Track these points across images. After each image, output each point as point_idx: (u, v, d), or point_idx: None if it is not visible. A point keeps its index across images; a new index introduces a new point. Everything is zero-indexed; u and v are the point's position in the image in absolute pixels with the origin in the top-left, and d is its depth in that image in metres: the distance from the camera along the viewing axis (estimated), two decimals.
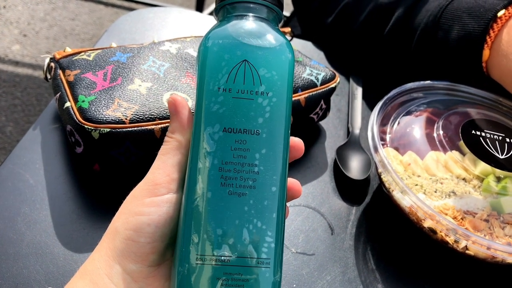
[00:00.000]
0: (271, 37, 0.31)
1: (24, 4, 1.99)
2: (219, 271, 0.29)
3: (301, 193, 0.34)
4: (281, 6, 0.33)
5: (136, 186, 0.32)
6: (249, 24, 0.31)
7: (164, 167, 0.32)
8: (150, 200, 0.31)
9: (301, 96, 0.53)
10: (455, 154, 0.51)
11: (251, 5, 0.32)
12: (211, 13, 1.50)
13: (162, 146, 0.33)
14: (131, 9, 1.98)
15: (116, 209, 0.32)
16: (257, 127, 0.30)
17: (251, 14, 0.32)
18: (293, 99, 0.52)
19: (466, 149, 0.51)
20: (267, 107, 0.30)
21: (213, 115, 0.30)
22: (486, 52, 0.55)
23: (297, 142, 0.34)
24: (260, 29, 0.31)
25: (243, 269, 0.29)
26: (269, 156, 0.30)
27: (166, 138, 0.33)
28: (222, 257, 0.29)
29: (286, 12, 1.99)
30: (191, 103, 0.48)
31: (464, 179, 0.49)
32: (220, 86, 0.30)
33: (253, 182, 0.30)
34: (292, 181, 0.33)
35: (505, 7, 0.54)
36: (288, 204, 0.51)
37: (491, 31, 0.54)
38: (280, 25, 0.90)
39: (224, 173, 0.29)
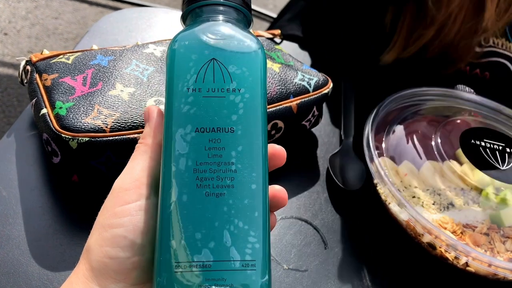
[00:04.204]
0: (239, 35, 0.31)
1: (5, 1, 1.94)
2: (201, 277, 0.27)
3: (287, 202, 0.32)
4: (248, 7, 0.33)
5: (106, 198, 0.30)
6: (216, 25, 0.31)
7: (133, 172, 0.30)
8: (121, 209, 0.29)
9: (293, 103, 0.50)
10: (452, 163, 0.49)
11: (218, 8, 0.32)
12: None
13: (132, 153, 0.31)
14: (117, 9, 1.94)
15: None
16: (231, 125, 0.29)
17: (217, 16, 0.32)
18: (285, 105, 0.50)
19: (463, 159, 0.49)
20: (240, 103, 0.29)
21: (183, 117, 0.29)
22: None
23: (278, 150, 0.32)
24: (227, 28, 0.31)
25: (227, 274, 0.27)
26: (246, 153, 0.29)
27: (136, 145, 0.32)
28: (203, 263, 0.27)
29: (273, 14, 1.97)
30: None
31: (462, 190, 0.48)
32: (189, 86, 0.29)
33: (231, 181, 0.28)
34: (276, 188, 0.31)
35: None
36: (279, 216, 0.49)
37: None
38: (267, 28, 0.87)
39: (200, 174, 0.28)
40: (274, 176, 0.31)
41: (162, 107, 0.32)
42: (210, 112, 0.29)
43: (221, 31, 0.31)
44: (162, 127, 0.31)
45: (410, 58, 0.67)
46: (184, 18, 0.34)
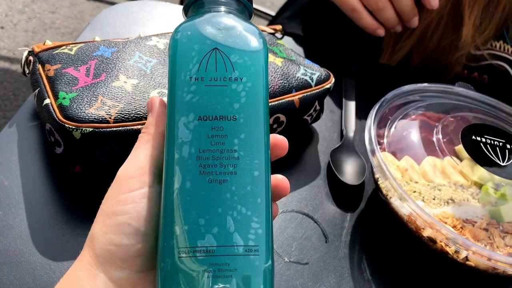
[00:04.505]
0: (241, 25, 0.31)
1: None
2: (205, 262, 0.27)
3: (289, 191, 0.33)
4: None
5: (110, 186, 0.30)
6: (218, 15, 0.31)
7: (136, 161, 0.30)
8: (125, 197, 0.29)
9: (295, 97, 0.50)
10: (453, 159, 0.49)
11: None
12: None
13: (136, 143, 0.32)
14: (113, 4, 1.93)
15: None
16: (233, 113, 0.29)
17: (219, 7, 0.32)
18: (287, 99, 0.50)
19: (463, 155, 0.49)
20: (242, 92, 0.30)
21: (186, 105, 0.29)
22: None
23: (280, 140, 0.33)
24: (229, 19, 0.31)
25: (230, 259, 0.27)
26: (248, 140, 0.29)
27: (139, 135, 0.32)
28: (207, 248, 0.27)
29: (270, 11, 1.97)
30: None
31: (462, 185, 0.48)
32: (191, 75, 0.30)
33: (233, 168, 0.29)
34: (279, 178, 0.32)
35: None
36: (280, 210, 0.49)
37: None
38: (269, 24, 0.87)
39: (203, 161, 0.29)
40: (276, 170, 0.31)
41: (165, 98, 0.32)
42: (213, 100, 0.29)
43: (223, 21, 0.31)
44: (165, 117, 0.31)
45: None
46: (186, 10, 0.34)
